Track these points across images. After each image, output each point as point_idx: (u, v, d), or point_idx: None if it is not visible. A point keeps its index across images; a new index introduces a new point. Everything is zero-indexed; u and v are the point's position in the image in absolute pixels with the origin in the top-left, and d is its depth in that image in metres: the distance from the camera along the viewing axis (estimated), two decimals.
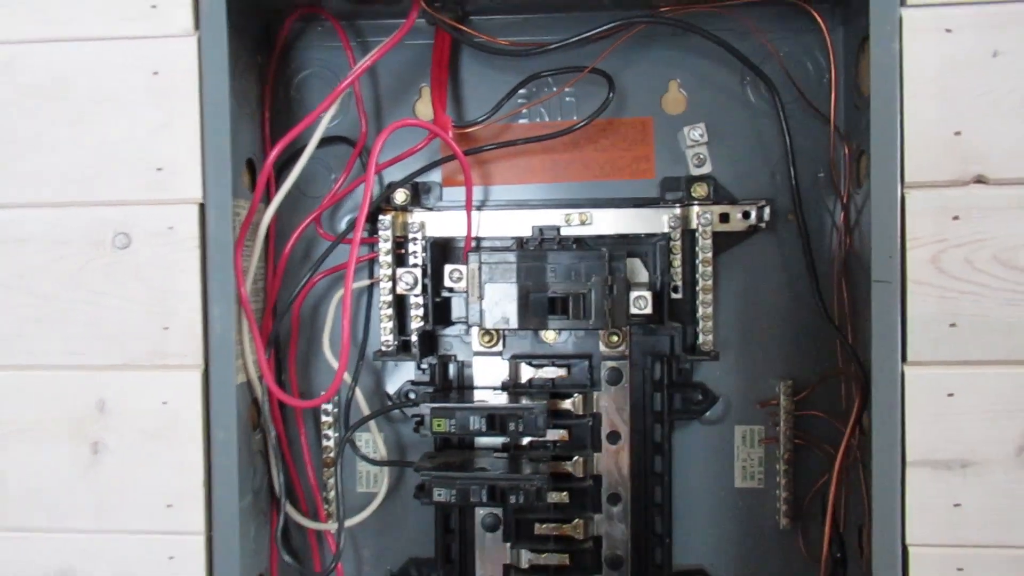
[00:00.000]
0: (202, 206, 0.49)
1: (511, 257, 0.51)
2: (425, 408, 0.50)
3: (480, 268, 0.51)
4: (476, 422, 0.50)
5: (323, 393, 0.54)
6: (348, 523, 0.56)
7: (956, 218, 0.45)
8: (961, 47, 0.45)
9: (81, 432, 0.50)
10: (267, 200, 0.53)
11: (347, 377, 0.55)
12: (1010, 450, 0.45)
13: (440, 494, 0.49)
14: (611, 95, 0.53)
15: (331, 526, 0.56)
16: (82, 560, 0.51)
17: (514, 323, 0.51)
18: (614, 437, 0.56)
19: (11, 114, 0.49)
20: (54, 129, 0.49)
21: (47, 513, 0.51)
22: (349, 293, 0.49)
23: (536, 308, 0.51)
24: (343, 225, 0.58)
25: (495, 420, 0.50)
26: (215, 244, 0.48)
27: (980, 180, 0.45)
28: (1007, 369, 0.45)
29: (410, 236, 0.55)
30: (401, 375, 0.59)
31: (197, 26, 0.48)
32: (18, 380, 0.50)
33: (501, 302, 0.51)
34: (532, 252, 0.52)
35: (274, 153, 0.51)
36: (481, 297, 0.51)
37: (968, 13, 0.45)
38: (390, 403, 0.58)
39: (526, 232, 0.56)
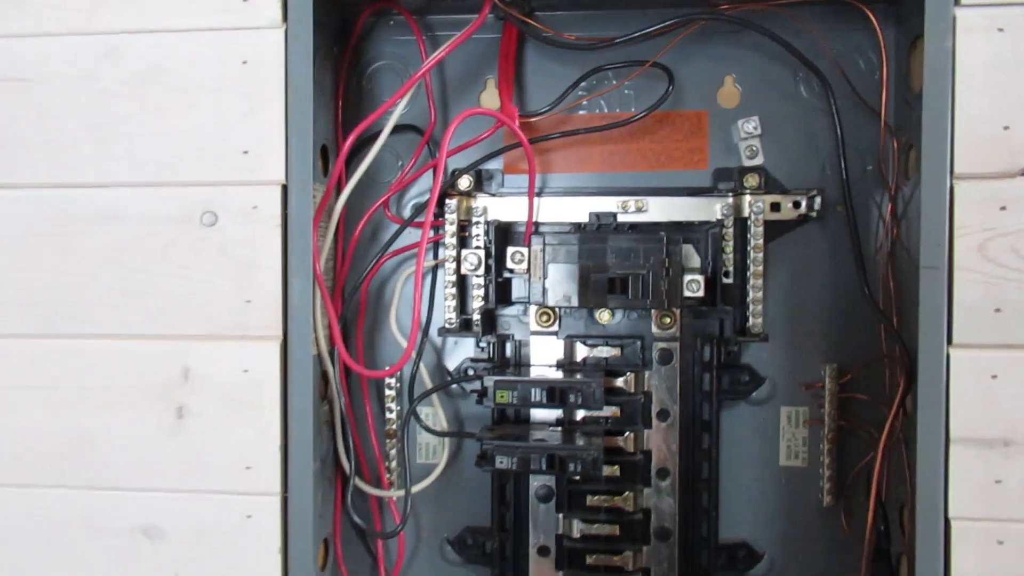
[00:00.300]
0: (284, 187, 0.52)
1: (573, 239, 0.54)
2: (489, 380, 0.53)
3: (544, 249, 0.54)
4: (537, 394, 0.52)
5: (390, 366, 0.57)
6: (413, 490, 0.59)
7: (1003, 208, 0.47)
8: (1011, 45, 0.47)
9: (167, 397, 0.54)
10: (338, 184, 0.57)
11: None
12: None
13: (502, 461, 0.52)
14: (671, 88, 0.55)
15: (393, 493, 0.59)
16: (166, 517, 0.54)
17: (575, 301, 0.53)
18: (664, 415, 0.59)
19: (112, 100, 0.53)
20: (150, 114, 0.53)
21: (135, 472, 0.54)
22: (420, 271, 0.52)
23: (596, 288, 0.53)
24: (408, 210, 0.61)
25: (555, 393, 0.53)
26: (296, 223, 0.52)
27: None
28: None
29: (473, 220, 0.58)
30: (459, 354, 0.62)
31: (285, 19, 0.51)
32: (110, 349, 0.54)
33: (563, 282, 0.54)
34: (593, 235, 0.55)
35: (351, 138, 0.54)
36: (544, 276, 0.54)
37: (1018, 13, 0.47)
38: (450, 378, 0.61)
39: (583, 218, 0.58)
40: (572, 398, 0.52)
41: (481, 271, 0.57)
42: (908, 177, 0.54)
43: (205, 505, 0.54)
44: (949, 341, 0.48)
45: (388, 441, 0.60)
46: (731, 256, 0.56)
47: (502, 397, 0.52)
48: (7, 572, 0.55)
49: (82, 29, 0.53)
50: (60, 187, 0.53)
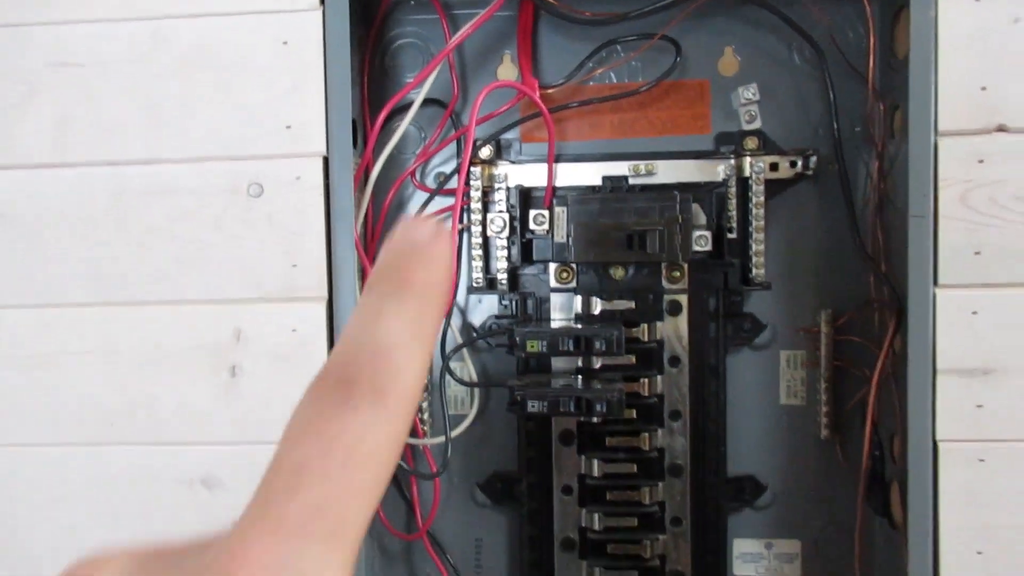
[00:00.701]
0: (325, 159, 0.56)
1: (595, 199, 0.59)
2: (519, 332, 0.58)
3: (567, 209, 0.59)
4: (565, 342, 0.57)
5: None
6: (442, 439, 0.64)
7: (981, 162, 0.53)
8: (988, 15, 0.52)
9: (221, 358, 0.58)
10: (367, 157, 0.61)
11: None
12: None
13: (533, 406, 0.57)
14: (678, 59, 0.60)
15: (430, 441, 0.64)
16: (223, 468, 0.59)
17: (597, 257, 0.58)
18: (675, 361, 0.64)
19: (160, 82, 0.57)
20: (197, 93, 0.56)
21: (192, 428, 0.58)
22: (455, 230, 0.57)
23: (616, 243, 0.58)
24: (431, 179, 0.66)
25: (580, 341, 0.58)
26: (337, 192, 0.56)
27: (1002, 129, 0.53)
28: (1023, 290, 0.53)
29: (496, 186, 0.62)
30: (482, 312, 0.67)
31: (322, 2, 0.55)
32: (166, 314, 0.58)
33: (585, 238, 0.58)
34: (612, 195, 0.60)
35: (384, 112, 0.58)
36: (568, 235, 0.58)
37: None
38: (478, 333, 0.66)
39: (596, 181, 0.63)
40: (598, 345, 0.57)
41: (506, 233, 0.61)
42: (893, 136, 0.60)
43: (260, 455, 0.58)
44: (935, 282, 0.53)
45: (421, 394, 0.65)
46: (734, 213, 0.61)
47: (532, 347, 0.57)
48: (76, 523, 0.59)
49: (129, 15, 0.56)
50: (113, 165, 0.57)
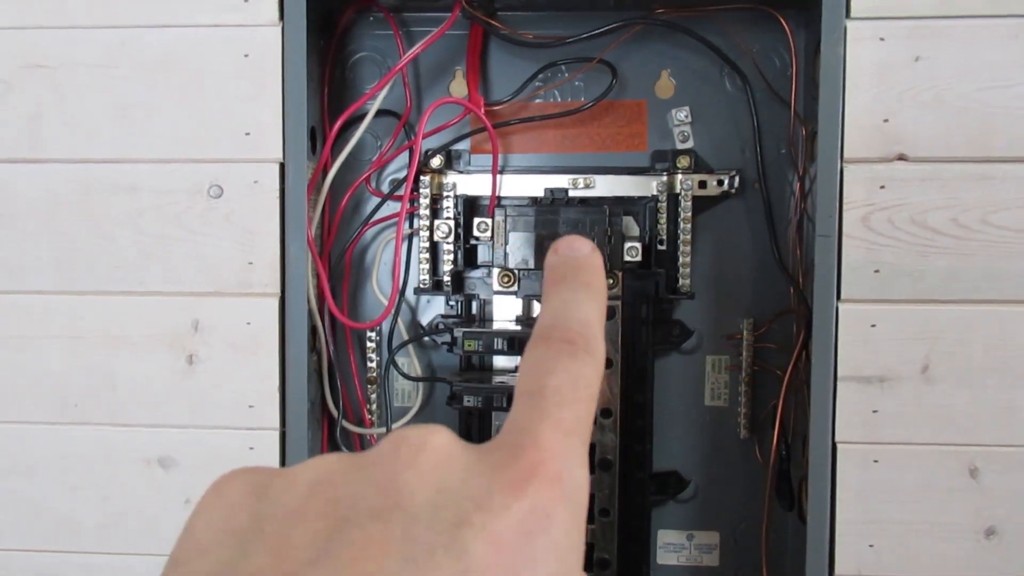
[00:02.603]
0: (282, 164, 0.60)
1: (530, 211, 0.63)
2: (458, 332, 0.62)
3: (505, 220, 0.63)
4: (500, 343, 0.62)
5: (372, 320, 0.66)
6: (386, 430, 0.69)
7: (883, 187, 0.58)
8: (891, 53, 0.57)
9: (179, 346, 0.62)
10: (325, 163, 0.65)
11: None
12: (916, 368, 0.58)
13: (469, 400, 0.62)
14: (614, 81, 0.64)
15: (375, 431, 0.69)
16: (178, 449, 0.63)
17: (532, 264, 0.63)
18: (607, 363, 0.69)
19: (128, 86, 0.61)
20: (163, 99, 0.60)
21: (150, 411, 0.62)
22: (400, 235, 0.61)
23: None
24: (386, 185, 0.70)
25: (515, 342, 0.62)
26: (292, 195, 0.60)
27: (902, 158, 0.57)
28: (916, 306, 0.58)
29: (444, 194, 0.67)
30: (431, 311, 0.71)
31: (281, 17, 0.59)
32: (129, 303, 0.62)
33: (522, 247, 0.63)
34: (547, 208, 0.64)
35: (339, 123, 0.62)
36: (506, 243, 0.63)
37: (897, 25, 0.57)
38: (422, 331, 0.70)
39: (539, 193, 0.67)
40: None
41: (451, 239, 0.66)
42: (813, 159, 0.64)
43: (213, 438, 0.62)
44: (838, 297, 0.58)
45: (369, 387, 0.69)
46: (665, 226, 0.66)
47: (470, 345, 0.62)
48: (36, 498, 0.63)
49: (100, 23, 0.60)
50: (82, 162, 0.61)
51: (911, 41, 0.57)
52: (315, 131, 0.66)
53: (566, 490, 0.18)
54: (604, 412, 0.69)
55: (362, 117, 0.65)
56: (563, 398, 0.19)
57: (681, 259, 0.65)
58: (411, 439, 0.19)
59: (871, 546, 0.59)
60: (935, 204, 0.57)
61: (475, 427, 0.69)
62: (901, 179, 0.57)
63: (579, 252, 0.23)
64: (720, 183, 0.66)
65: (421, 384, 0.70)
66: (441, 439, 0.19)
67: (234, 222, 0.61)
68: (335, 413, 0.66)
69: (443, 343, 0.69)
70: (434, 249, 0.67)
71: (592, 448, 0.69)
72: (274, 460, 0.62)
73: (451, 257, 0.66)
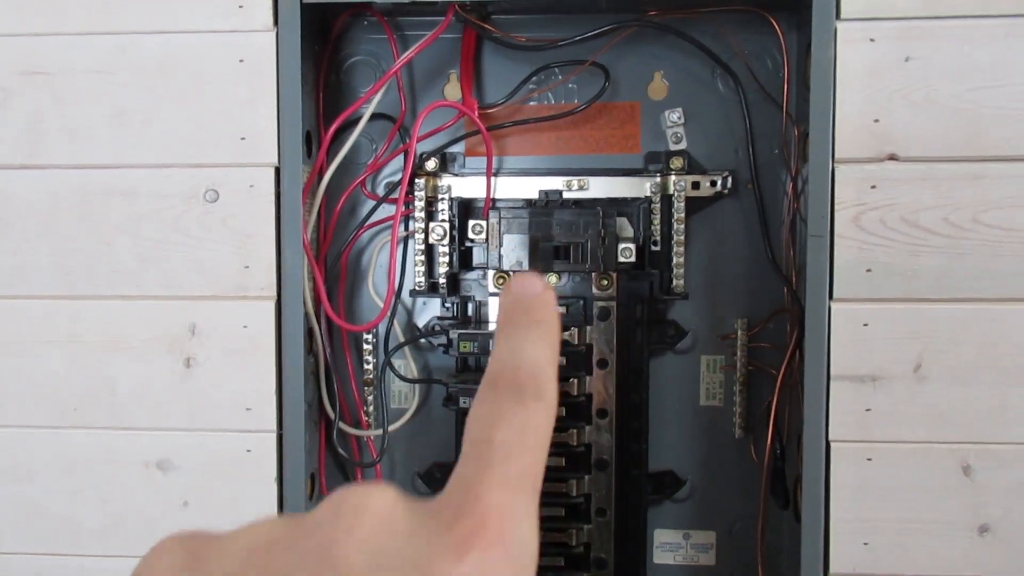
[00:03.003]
0: (277, 169, 0.61)
1: (524, 213, 0.64)
2: (454, 333, 0.63)
3: (500, 222, 0.63)
4: (495, 344, 0.62)
5: (368, 322, 0.66)
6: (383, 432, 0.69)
7: (873, 187, 0.58)
8: (881, 53, 0.58)
9: (177, 349, 0.62)
10: (321, 167, 0.65)
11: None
12: (909, 367, 0.58)
13: (465, 402, 0.62)
14: (607, 84, 0.65)
15: (371, 433, 0.69)
16: (176, 452, 0.63)
17: (526, 265, 0.63)
18: (603, 363, 0.69)
19: (125, 92, 0.61)
20: (160, 105, 0.61)
21: (149, 414, 0.63)
22: (396, 240, 0.62)
23: (543, 254, 0.63)
24: (382, 188, 0.70)
25: None
26: (287, 199, 0.60)
27: (892, 158, 0.58)
28: (908, 305, 0.58)
29: (439, 197, 0.67)
30: (427, 313, 0.71)
31: (276, 23, 0.60)
32: (127, 308, 0.62)
33: (516, 249, 0.63)
34: (541, 210, 0.65)
35: (334, 127, 0.63)
36: (500, 245, 0.63)
37: (887, 26, 0.58)
38: (418, 333, 0.70)
39: (534, 195, 0.68)
40: None
41: (446, 241, 0.66)
42: (806, 160, 0.65)
43: (211, 441, 0.63)
44: (831, 296, 0.58)
45: (366, 389, 0.70)
46: (659, 227, 0.66)
47: (465, 347, 0.62)
48: (37, 501, 0.64)
49: (97, 29, 0.61)
50: (80, 168, 0.62)
51: (901, 42, 0.57)
52: (310, 135, 0.66)
53: (510, 550, 0.17)
54: (600, 412, 0.69)
55: (357, 121, 0.65)
56: (510, 450, 0.19)
57: (675, 260, 0.66)
58: (351, 501, 0.18)
59: (866, 544, 0.59)
60: (926, 204, 0.58)
61: None
62: (892, 179, 0.58)
63: (530, 291, 0.22)
64: (713, 184, 0.66)
65: (417, 386, 0.70)
66: (382, 501, 0.18)
67: (230, 226, 0.61)
68: (332, 415, 0.67)
69: (439, 345, 0.70)
70: (429, 251, 0.68)
71: (588, 448, 0.69)
72: (271, 462, 0.62)
73: (446, 259, 0.67)
